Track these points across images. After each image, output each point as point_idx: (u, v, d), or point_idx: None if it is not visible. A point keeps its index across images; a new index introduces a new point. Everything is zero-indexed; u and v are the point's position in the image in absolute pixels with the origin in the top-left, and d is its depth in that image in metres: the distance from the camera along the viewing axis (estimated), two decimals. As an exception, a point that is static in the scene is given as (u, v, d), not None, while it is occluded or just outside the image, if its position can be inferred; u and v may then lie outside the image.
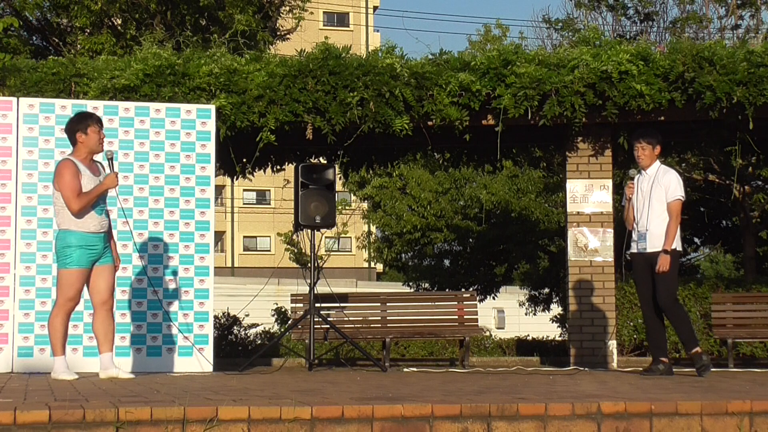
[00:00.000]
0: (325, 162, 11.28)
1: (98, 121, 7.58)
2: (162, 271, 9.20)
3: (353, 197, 24.70)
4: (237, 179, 12.20)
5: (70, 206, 7.29)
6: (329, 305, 11.28)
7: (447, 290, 18.00)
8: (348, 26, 53.34)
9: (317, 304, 10.10)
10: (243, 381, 7.31)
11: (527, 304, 19.06)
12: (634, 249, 8.62)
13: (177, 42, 12.75)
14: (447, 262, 20.17)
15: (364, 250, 32.94)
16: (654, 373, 8.37)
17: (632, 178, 8.68)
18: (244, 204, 51.23)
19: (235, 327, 14.25)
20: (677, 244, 8.46)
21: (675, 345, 13.38)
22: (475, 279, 19.26)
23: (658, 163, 8.64)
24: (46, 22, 16.28)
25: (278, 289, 21.25)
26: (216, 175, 9.87)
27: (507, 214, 18.61)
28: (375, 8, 55.64)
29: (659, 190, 8.46)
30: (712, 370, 8.57)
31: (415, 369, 10.41)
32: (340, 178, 12.67)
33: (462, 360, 11.62)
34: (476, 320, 11.97)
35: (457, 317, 11.98)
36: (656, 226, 8.45)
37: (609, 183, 10.73)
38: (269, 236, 49.53)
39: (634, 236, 8.61)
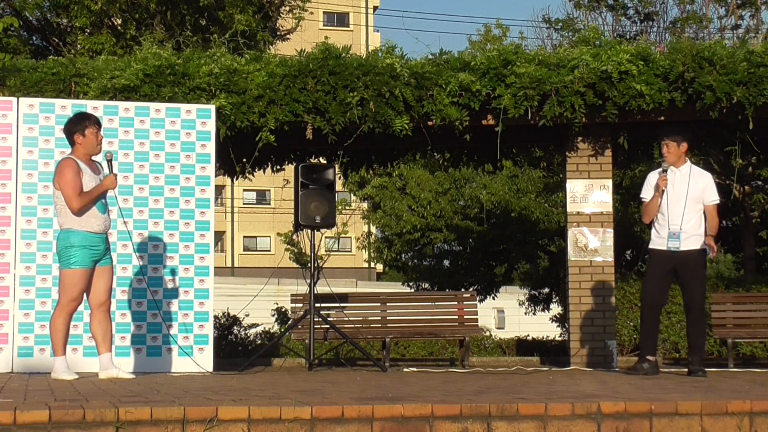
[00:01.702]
0: (325, 162, 11.28)
1: (96, 123, 7.55)
2: (162, 271, 9.20)
3: (353, 197, 24.69)
4: (237, 179, 12.20)
5: (71, 205, 7.28)
6: (329, 305, 11.28)
7: (447, 290, 17.99)
8: (348, 26, 53.34)
9: (317, 304, 10.10)
10: (243, 381, 7.31)
11: (527, 304, 19.06)
12: (661, 246, 8.50)
13: (177, 42, 12.74)
14: (447, 263, 20.17)
15: (364, 250, 32.94)
16: (638, 372, 8.34)
17: (665, 171, 8.58)
18: (244, 204, 51.25)
19: (235, 327, 14.25)
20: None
21: (675, 345, 13.40)
22: (475, 279, 19.25)
23: (689, 162, 8.64)
24: (46, 22, 16.28)
25: (278, 289, 21.24)
26: (216, 175, 9.87)
27: (507, 214, 18.60)
28: (375, 8, 55.65)
29: (696, 191, 8.46)
30: (713, 370, 8.58)
31: (415, 369, 10.41)
32: (339, 178, 12.67)
33: (462, 360, 11.62)
34: (476, 320, 11.96)
35: (457, 317, 11.98)
36: (692, 226, 8.43)
37: (609, 183, 10.72)
38: (269, 236, 49.54)
39: (662, 233, 8.50)
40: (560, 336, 16.23)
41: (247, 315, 14.05)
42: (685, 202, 8.43)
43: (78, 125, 7.47)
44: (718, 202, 8.58)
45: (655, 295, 8.55)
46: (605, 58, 10.05)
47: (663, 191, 8.50)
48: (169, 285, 9.20)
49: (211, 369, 9.01)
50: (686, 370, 8.53)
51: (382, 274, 42.89)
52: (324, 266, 11.27)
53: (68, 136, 7.51)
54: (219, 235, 47.92)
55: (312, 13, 20.61)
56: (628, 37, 18.83)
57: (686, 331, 8.85)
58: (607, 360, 10.50)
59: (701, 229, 8.48)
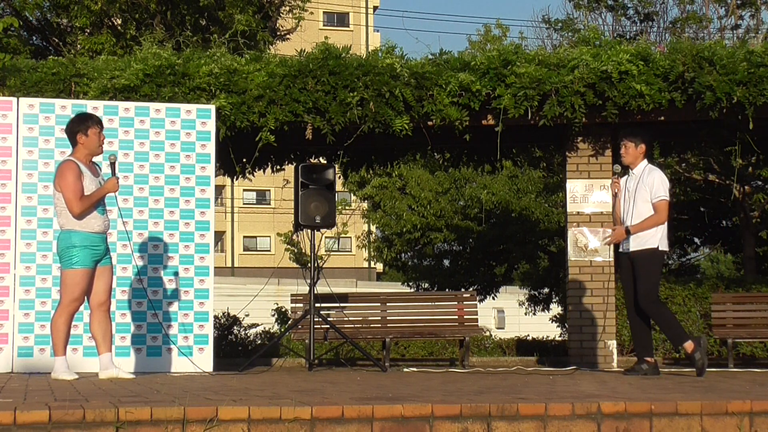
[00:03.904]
0: (325, 162, 11.28)
1: (99, 123, 7.56)
2: (162, 271, 9.20)
3: (353, 197, 24.69)
4: (237, 179, 12.20)
5: (72, 209, 7.28)
6: (329, 305, 11.28)
7: (447, 290, 17.99)
8: (348, 26, 53.34)
9: (317, 304, 10.10)
10: (243, 381, 7.31)
11: (527, 304, 19.05)
12: (621, 248, 8.60)
13: (177, 42, 12.75)
14: (447, 263, 20.16)
15: (364, 250, 32.95)
16: (637, 372, 8.33)
17: (616, 173, 8.64)
18: (244, 204, 51.24)
19: (235, 327, 14.25)
20: (662, 245, 8.39)
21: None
22: (475, 279, 19.25)
23: (645, 162, 8.56)
24: (46, 22, 16.28)
25: (278, 289, 21.25)
26: (216, 175, 9.87)
27: (507, 214, 18.60)
28: (375, 8, 55.65)
29: (644, 190, 8.41)
30: (712, 370, 8.55)
31: (415, 369, 10.41)
32: (339, 178, 12.67)
33: (462, 360, 11.62)
34: (476, 320, 11.97)
35: (457, 317, 11.98)
36: None
37: (609, 183, 10.72)
38: (269, 236, 49.53)
39: None
40: (560, 336, 16.23)
41: (247, 315, 14.05)
42: (633, 202, 8.43)
43: (81, 125, 7.47)
44: (663, 198, 8.37)
45: (628, 297, 8.54)
46: (605, 58, 10.05)
47: (615, 194, 8.57)
48: (169, 285, 9.20)
49: (211, 369, 9.01)
50: (686, 370, 8.53)
51: (382, 274, 42.88)
52: (324, 266, 11.27)
53: (70, 136, 7.50)
54: (219, 235, 47.93)
55: (312, 13, 20.61)
56: (628, 37, 18.83)
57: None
58: (607, 360, 10.50)
59: (651, 228, 8.40)
